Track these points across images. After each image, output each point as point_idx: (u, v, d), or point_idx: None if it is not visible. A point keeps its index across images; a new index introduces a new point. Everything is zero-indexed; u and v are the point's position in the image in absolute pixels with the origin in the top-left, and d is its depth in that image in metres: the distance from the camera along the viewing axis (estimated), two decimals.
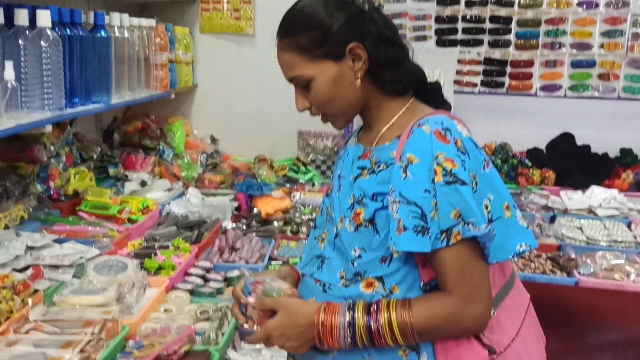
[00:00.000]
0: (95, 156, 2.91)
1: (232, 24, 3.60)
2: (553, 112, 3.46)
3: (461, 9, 3.34)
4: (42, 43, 1.95)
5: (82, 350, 1.50)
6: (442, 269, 1.15)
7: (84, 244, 2.11)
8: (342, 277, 1.26)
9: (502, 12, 3.31)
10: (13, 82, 1.79)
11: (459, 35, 3.38)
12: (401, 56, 1.27)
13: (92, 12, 2.40)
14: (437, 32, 3.38)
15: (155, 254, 2.21)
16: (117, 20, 2.57)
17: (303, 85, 1.26)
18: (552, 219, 2.87)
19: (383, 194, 1.20)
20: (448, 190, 1.12)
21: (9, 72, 1.77)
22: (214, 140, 3.74)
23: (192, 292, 2.06)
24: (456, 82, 3.41)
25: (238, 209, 3.02)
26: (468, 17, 3.34)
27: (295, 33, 1.23)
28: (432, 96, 1.32)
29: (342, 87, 1.24)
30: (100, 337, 1.56)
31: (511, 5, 3.30)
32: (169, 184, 3.12)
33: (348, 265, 1.24)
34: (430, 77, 3.55)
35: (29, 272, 1.78)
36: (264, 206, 2.96)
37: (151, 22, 2.94)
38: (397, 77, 1.26)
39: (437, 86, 1.37)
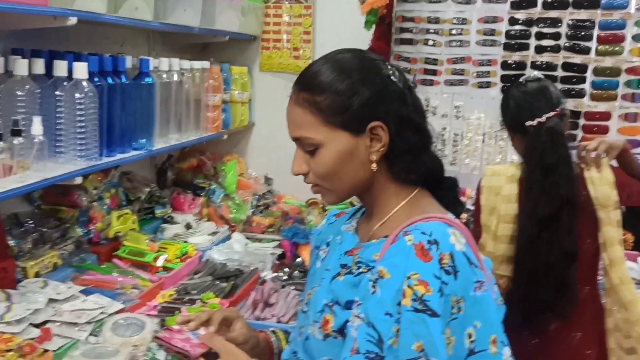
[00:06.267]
0: (142, 197, 2.91)
1: (291, 63, 3.56)
2: None
3: (530, 54, 3.09)
4: (77, 95, 1.95)
5: None
6: None
7: (110, 296, 2.07)
8: None
9: (577, 59, 3.03)
10: (41, 137, 1.79)
11: None
12: (422, 145, 1.12)
13: (137, 58, 2.40)
14: (502, 78, 3.15)
15: (180, 311, 2.15)
16: (166, 65, 2.57)
17: (308, 149, 1.11)
18: None
19: (356, 302, 1.04)
20: (415, 318, 0.95)
21: (37, 127, 1.78)
22: (267, 180, 3.70)
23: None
24: None
25: (283, 255, 2.95)
26: (538, 63, 3.09)
27: (315, 90, 1.08)
28: (445, 193, 1.16)
29: (350, 164, 1.09)
30: None
31: (587, 52, 3.02)
32: (215, 227, 3.08)
33: None
34: (495, 127, 3.34)
35: (37, 333, 1.75)
36: (309, 255, 2.85)
37: (205, 64, 2.92)
38: (412, 167, 1.11)
39: (453, 182, 1.20)
